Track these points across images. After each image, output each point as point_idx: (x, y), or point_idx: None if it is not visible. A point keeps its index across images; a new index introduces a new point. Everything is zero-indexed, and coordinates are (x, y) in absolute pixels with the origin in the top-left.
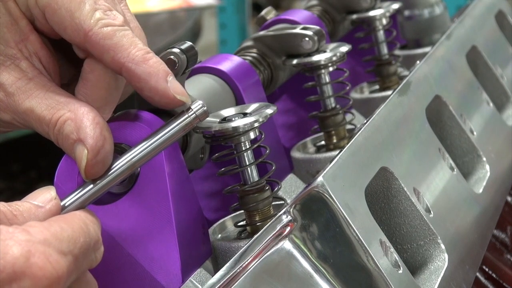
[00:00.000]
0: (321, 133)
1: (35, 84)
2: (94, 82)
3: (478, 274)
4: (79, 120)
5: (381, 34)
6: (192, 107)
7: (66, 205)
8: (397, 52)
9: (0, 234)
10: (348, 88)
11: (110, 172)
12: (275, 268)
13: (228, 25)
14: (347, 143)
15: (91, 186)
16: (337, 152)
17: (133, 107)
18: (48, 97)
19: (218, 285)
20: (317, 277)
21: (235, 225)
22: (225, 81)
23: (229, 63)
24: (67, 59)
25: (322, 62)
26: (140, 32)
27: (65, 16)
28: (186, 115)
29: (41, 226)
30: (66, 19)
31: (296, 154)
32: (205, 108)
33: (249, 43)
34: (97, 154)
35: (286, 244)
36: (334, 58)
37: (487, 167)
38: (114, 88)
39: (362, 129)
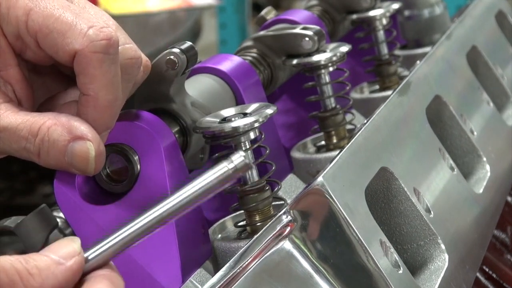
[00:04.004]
0: (321, 133)
1: (6, 107)
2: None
3: (478, 274)
4: (66, 123)
5: (381, 34)
6: (233, 158)
7: (89, 258)
8: (397, 52)
9: None
10: (348, 88)
11: (141, 225)
12: (275, 268)
13: (228, 25)
14: (347, 143)
15: (121, 237)
16: (337, 152)
17: (133, 107)
18: (22, 114)
19: (218, 285)
20: (317, 277)
21: (235, 225)
22: (225, 81)
23: (229, 63)
24: (57, 81)
25: (322, 62)
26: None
27: (57, 38)
28: (226, 167)
29: None
30: (58, 40)
31: (296, 154)
32: (247, 161)
33: (249, 43)
34: (100, 144)
35: (286, 244)
36: (334, 58)
37: (487, 167)
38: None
39: (362, 129)
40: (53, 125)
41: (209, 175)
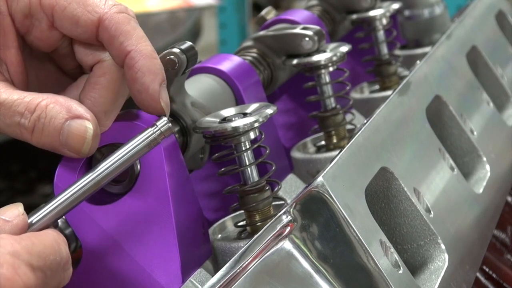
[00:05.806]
0: (321, 133)
1: (1, 85)
2: (105, 85)
3: (478, 274)
4: (64, 102)
5: (381, 34)
6: (157, 123)
7: (33, 222)
8: (397, 52)
9: None
10: (348, 88)
11: (76, 190)
12: (275, 268)
13: (228, 25)
14: (347, 143)
15: (59, 203)
16: (337, 152)
17: (133, 107)
18: (19, 92)
19: (218, 285)
20: (317, 277)
21: (235, 225)
22: (225, 81)
23: (229, 63)
24: (51, 77)
25: (322, 62)
26: None
27: (77, 8)
28: (151, 131)
29: (12, 239)
30: (78, 10)
31: (296, 154)
32: (170, 124)
33: (249, 43)
34: (97, 127)
35: (286, 244)
36: (334, 58)
37: (487, 167)
38: (122, 93)
39: (362, 129)
40: (51, 103)
41: (137, 139)
